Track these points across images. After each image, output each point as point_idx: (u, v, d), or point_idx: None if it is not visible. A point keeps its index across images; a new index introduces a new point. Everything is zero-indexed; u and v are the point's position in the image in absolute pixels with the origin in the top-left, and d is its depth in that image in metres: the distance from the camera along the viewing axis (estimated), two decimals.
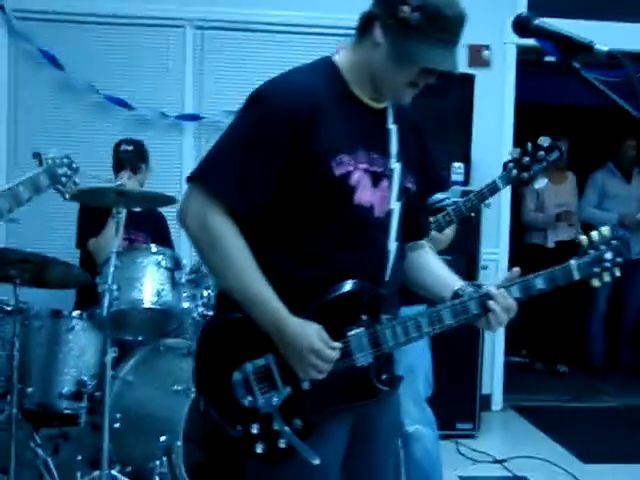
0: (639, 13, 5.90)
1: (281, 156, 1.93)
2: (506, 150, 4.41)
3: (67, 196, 2.71)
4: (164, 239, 4.87)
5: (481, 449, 4.96)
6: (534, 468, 4.65)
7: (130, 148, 4.73)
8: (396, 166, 2.06)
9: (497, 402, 6.03)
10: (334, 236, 1.97)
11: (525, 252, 6.78)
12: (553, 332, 7.03)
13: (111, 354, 3.54)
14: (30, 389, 3.93)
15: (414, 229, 2.22)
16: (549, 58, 6.29)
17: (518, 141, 5.49)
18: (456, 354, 5.01)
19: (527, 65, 6.17)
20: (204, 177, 1.96)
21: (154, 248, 3.95)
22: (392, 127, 2.08)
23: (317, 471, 1.95)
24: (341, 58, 2.08)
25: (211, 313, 3.94)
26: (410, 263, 2.22)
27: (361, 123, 2.03)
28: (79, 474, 3.70)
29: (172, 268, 3.91)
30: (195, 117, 5.75)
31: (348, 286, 1.98)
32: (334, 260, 1.97)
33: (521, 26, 1.94)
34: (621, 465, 4.76)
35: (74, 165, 3.12)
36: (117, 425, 3.70)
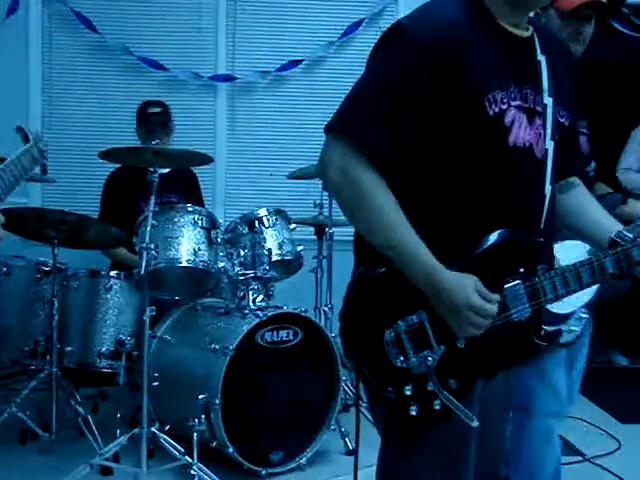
0: None
1: (427, 97, 1.76)
2: None
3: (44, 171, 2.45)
4: (196, 199, 4.89)
5: None
6: (571, 428, 4.61)
7: (159, 110, 4.73)
8: (549, 101, 1.91)
9: None
10: (487, 182, 1.82)
11: None
12: None
13: (149, 313, 3.55)
14: (69, 348, 3.98)
15: (565, 165, 2.04)
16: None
17: None
18: None
19: None
20: (344, 125, 1.81)
21: (190, 207, 3.94)
22: (541, 58, 1.92)
23: (472, 433, 1.85)
24: None
25: (248, 272, 3.96)
26: (562, 205, 2.05)
27: (510, 55, 1.87)
28: (118, 431, 3.73)
29: (208, 227, 3.90)
30: (228, 77, 5.72)
31: (503, 235, 1.83)
32: (487, 208, 1.83)
33: None
34: None
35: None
36: (155, 384, 3.71)
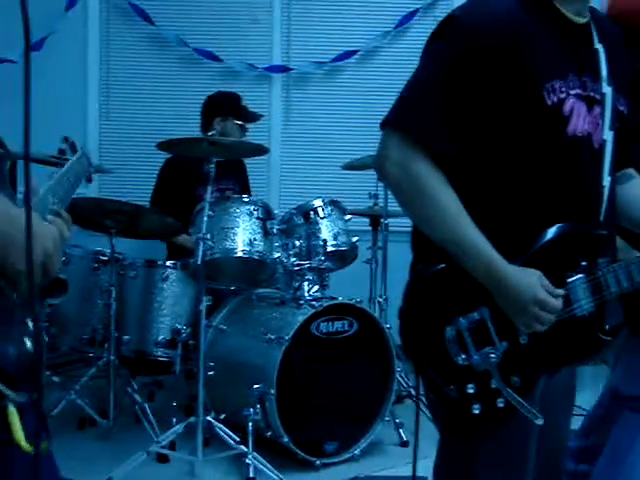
0: None
1: (484, 87, 1.73)
2: None
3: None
4: (246, 187, 4.92)
5: None
6: None
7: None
8: (608, 90, 1.87)
9: None
10: (545, 173, 1.79)
11: None
12: None
13: (205, 302, 3.58)
14: (127, 337, 4.04)
15: (622, 156, 2.00)
16: None
17: None
18: None
19: None
20: (401, 120, 1.78)
21: (246, 198, 3.96)
22: (599, 46, 1.87)
23: (534, 430, 1.82)
24: None
25: (303, 263, 3.96)
26: (621, 197, 2.00)
27: (569, 43, 1.83)
28: (174, 420, 3.77)
29: (264, 218, 3.91)
30: (283, 68, 5.73)
31: (564, 229, 1.80)
32: (545, 200, 1.80)
33: None
34: None
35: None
36: (211, 373, 3.75)
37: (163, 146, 3.70)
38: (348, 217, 4.25)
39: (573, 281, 1.80)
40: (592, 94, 1.84)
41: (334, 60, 5.70)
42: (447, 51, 1.77)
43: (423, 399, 1.95)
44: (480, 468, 1.85)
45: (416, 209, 1.80)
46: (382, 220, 4.64)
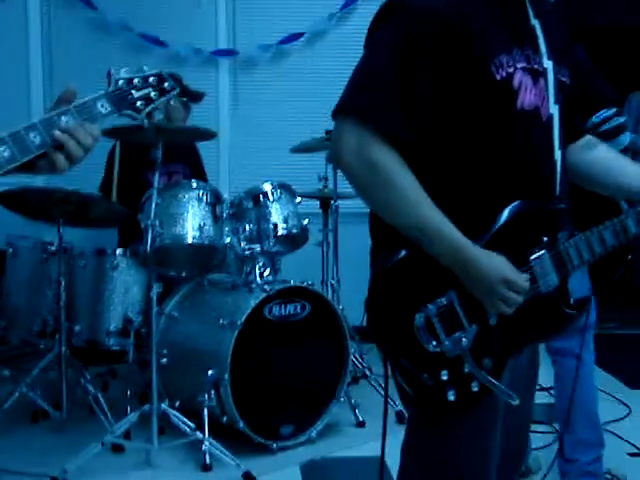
0: None
1: (435, 67, 1.71)
2: None
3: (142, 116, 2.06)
4: (199, 171, 4.89)
5: None
6: None
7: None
8: (549, 64, 1.87)
9: None
10: (499, 149, 1.78)
11: None
12: None
13: (156, 290, 3.55)
14: (78, 327, 4.00)
15: (571, 128, 2.00)
16: None
17: None
18: None
19: None
20: (353, 106, 1.74)
21: (194, 183, 3.93)
22: (535, 22, 1.87)
23: (500, 414, 1.83)
24: None
25: (254, 247, 3.94)
26: (591, 164, 2.03)
27: (508, 18, 1.82)
28: (129, 409, 3.75)
29: (213, 203, 3.89)
30: (230, 52, 5.69)
31: (521, 207, 1.78)
32: (503, 177, 1.79)
33: None
34: None
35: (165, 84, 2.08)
36: (164, 360, 3.73)
37: (108, 133, 3.65)
38: (298, 200, 4.23)
39: (536, 257, 1.81)
40: (536, 66, 1.84)
41: (281, 43, 5.68)
42: (395, 34, 1.74)
43: (380, 381, 1.94)
44: (453, 451, 1.84)
45: (377, 197, 1.77)
46: (332, 202, 4.64)
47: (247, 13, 5.72)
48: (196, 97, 4.59)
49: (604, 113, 3.15)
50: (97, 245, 4.25)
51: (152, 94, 1.86)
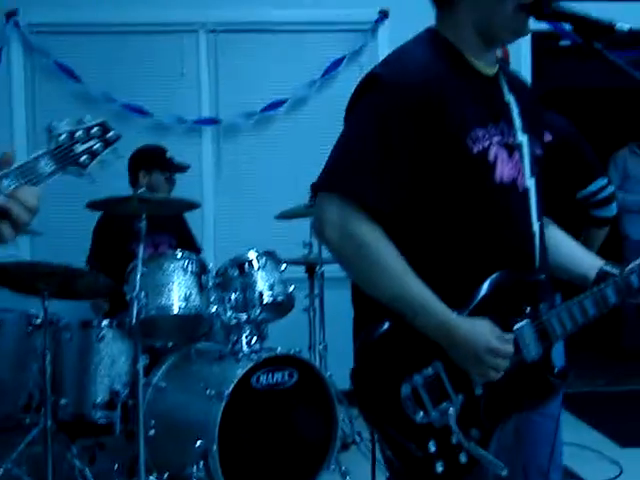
0: None
1: (413, 141, 1.76)
2: None
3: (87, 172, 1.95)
4: (188, 240, 4.90)
5: None
6: (571, 454, 4.59)
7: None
8: (524, 138, 1.92)
9: None
10: (478, 221, 1.82)
11: None
12: None
13: (142, 361, 3.55)
14: (64, 400, 3.95)
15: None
16: (564, 42, 6.23)
17: None
18: None
19: (543, 52, 6.12)
20: (336, 181, 1.78)
21: (179, 253, 3.95)
22: (510, 97, 1.94)
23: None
24: (443, 29, 1.91)
25: (240, 315, 3.95)
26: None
27: (483, 94, 1.89)
28: None
29: (199, 272, 3.91)
30: (213, 121, 5.74)
31: (504, 278, 1.82)
32: (483, 249, 1.82)
33: (538, 9, 1.89)
34: None
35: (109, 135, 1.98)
36: (152, 432, 3.70)
37: (92, 206, 3.68)
38: (283, 267, 4.25)
39: (519, 327, 1.83)
40: (510, 141, 1.89)
41: (263, 110, 5.74)
42: (374, 109, 1.79)
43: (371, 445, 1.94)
44: None
45: (360, 270, 1.80)
46: (317, 268, 4.66)
47: (230, 81, 5.78)
48: (179, 169, 4.63)
49: (600, 182, 3.23)
50: (83, 315, 4.25)
51: (96, 146, 1.81)
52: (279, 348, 3.86)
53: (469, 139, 1.80)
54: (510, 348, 1.77)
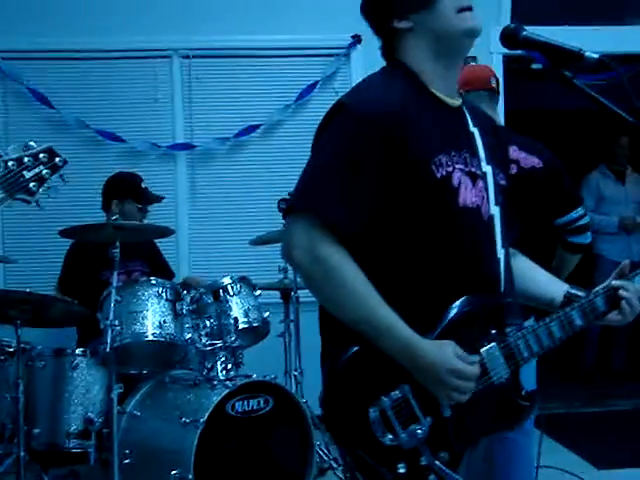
0: (620, 16, 5.94)
1: (378, 167, 1.80)
2: None
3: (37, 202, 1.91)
4: (160, 265, 4.87)
5: None
6: (548, 477, 4.59)
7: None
8: (488, 169, 1.98)
9: None
10: (443, 245, 1.85)
11: None
12: None
13: (117, 390, 3.52)
14: (37, 430, 3.91)
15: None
16: (536, 66, 6.30)
17: None
18: None
19: (514, 74, 6.18)
20: (304, 205, 1.83)
21: (153, 280, 3.93)
22: (474, 129, 1.99)
23: None
24: (406, 58, 1.97)
25: (216, 342, 3.93)
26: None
27: (447, 124, 1.94)
28: None
29: (173, 299, 3.90)
30: (187, 146, 5.74)
31: (470, 302, 1.85)
32: (447, 272, 1.85)
33: (509, 38, 1.93)
34: (637, 469, 4.71)
35: (56, 160, 2.05)
36: (127, 461, 3.67)
37: (66, 234, 3.66)
38: (258, 292, 4.25)
39: (486, 350, 1.86)
40: (474, 170, 1.93)
41: (237, 135, 5.75)
42: (341, 135, 1.84)
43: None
44: None
45: (326, 292, 1.82)
46: (293, 293, 4.66)
47: (203, 107, 5.79)
48: (152, 200, 4.62)
49: (580, 211, 3.28)
50: (56, 343, 4.21)
51: (44, 172, 1.79)
52: (254, 375, 3.85)
53: (433, 164, 1.84)
54: (474, 370, 1.79)
